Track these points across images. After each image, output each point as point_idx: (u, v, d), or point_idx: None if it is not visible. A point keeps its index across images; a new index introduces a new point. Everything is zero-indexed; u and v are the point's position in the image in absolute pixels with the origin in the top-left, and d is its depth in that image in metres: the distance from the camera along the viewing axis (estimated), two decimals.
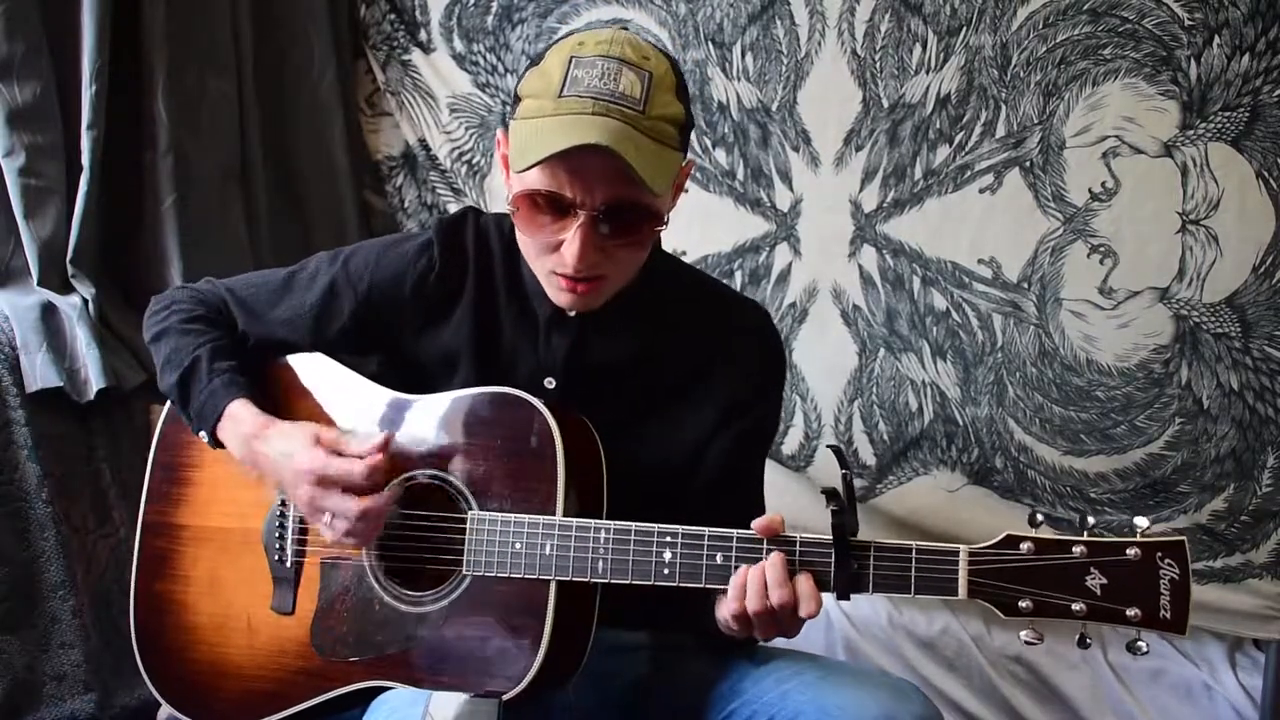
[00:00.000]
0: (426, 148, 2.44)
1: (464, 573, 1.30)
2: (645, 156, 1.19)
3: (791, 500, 2.09)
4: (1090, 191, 1.97)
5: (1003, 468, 2.08)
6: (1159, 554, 1.11)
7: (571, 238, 1.23)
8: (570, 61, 1.22)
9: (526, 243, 1.31)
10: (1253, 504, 1.94)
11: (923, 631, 2.16)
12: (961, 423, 2.10)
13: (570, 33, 2.23)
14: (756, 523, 1.21)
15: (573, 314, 1.36)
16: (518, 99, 1.27)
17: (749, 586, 1.19)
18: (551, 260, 1.27)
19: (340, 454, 1.30)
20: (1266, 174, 1.86)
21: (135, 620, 1.47)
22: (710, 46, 2.19)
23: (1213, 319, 1.93)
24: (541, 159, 1.18)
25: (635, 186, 1.20)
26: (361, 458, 1.29)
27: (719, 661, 1.39)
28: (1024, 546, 1.14)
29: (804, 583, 1.17)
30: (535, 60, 1.28)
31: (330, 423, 1.40)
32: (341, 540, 1.31)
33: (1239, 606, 1.96)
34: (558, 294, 1.31)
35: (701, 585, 1.22)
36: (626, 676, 1.42)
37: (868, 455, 2.17)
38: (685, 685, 1.39)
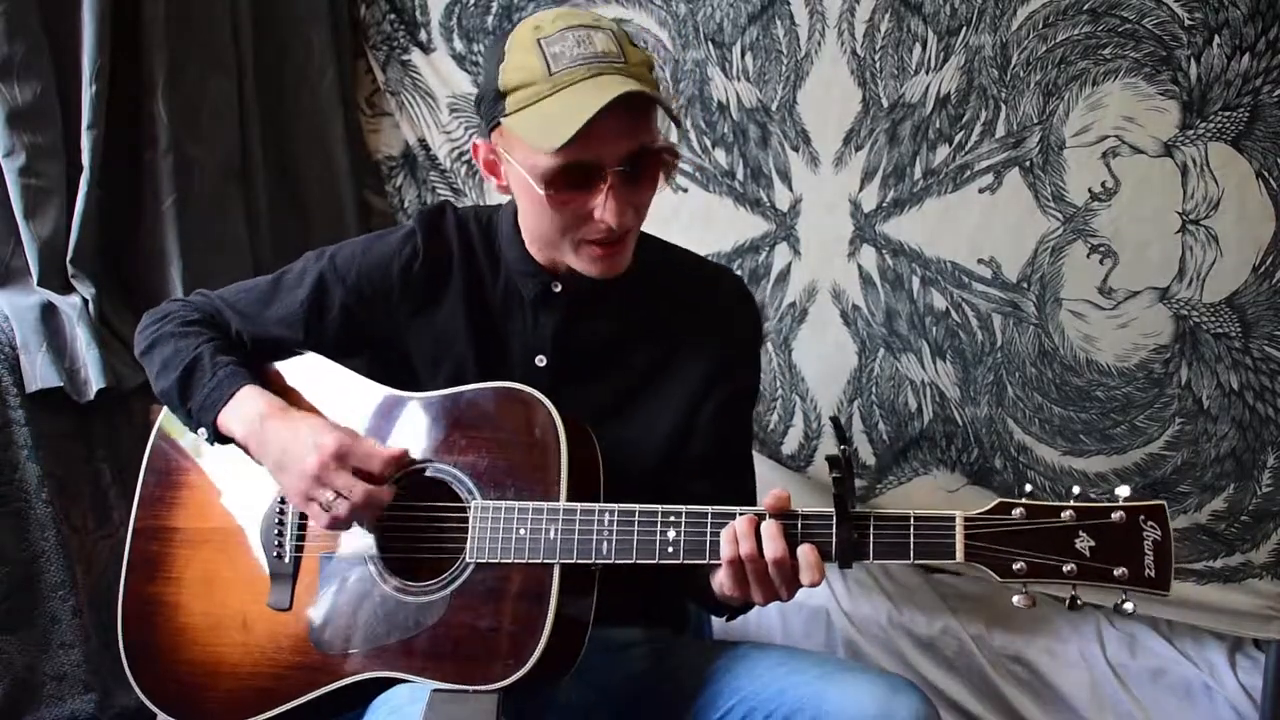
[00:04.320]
0: (426, 148, 2.44)
1: (466, 560, 1.31)
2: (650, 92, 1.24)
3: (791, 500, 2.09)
4: (1090, 191, 1.97)
5: (1002, 468, 2.08)
6: (1141, 516, 1.17)
7: (605, 200, 1.25)
8: (539, 44, 1.24)
9: (553, 224, 1.30)
10: (1253, 504, 1.94)
11: (923, 631, 2.16)
12: (961, 423, 2.10)
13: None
14: (768, 499, 1.23)
15: (558, 290, 1.40)
16: (500, 95, 1.27)
17: (740, 536, 1.21)
18: (582, 230, 1.29)
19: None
20: (1266, 174, 1.86)
21: (123, 626, 1.46)
22: (710, 46, 2.19)
23: (1213, 319, 1.93)
24: (575, 133, 1.19)
25: (645, 132, 1.25)
26: (382, 454, 1.32)
27: (716, 658, 1.41)
28: (1016, 512, 1.19)
29: (807, 553, 1.20)
30: (496, 60, 1.28)
31: (332, 420, 1.40)
32: (335, 521, 1.32)
33: (1239, 606, 1.96)
34: (591, 264, 1.32)
35: (705, 561, 1.24)
36: (623, 674, 1.43)
37: (868, 455, 2.17)
38: (682, 682, 1.39)
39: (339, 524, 1.33)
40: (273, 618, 1.39)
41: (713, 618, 1.64)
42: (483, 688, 1.25)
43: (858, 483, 2.17)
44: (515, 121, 1.26)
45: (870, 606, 2.19)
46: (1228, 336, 1.92)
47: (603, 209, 1.25)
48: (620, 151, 1.24)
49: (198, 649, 1.42)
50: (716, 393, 1.43)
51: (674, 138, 1.40)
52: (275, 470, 1.36)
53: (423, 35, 2.40)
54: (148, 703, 1.44)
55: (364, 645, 1.33)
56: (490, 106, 1.30)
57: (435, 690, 1.26)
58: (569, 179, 1.25)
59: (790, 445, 2.21)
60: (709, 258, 2.19)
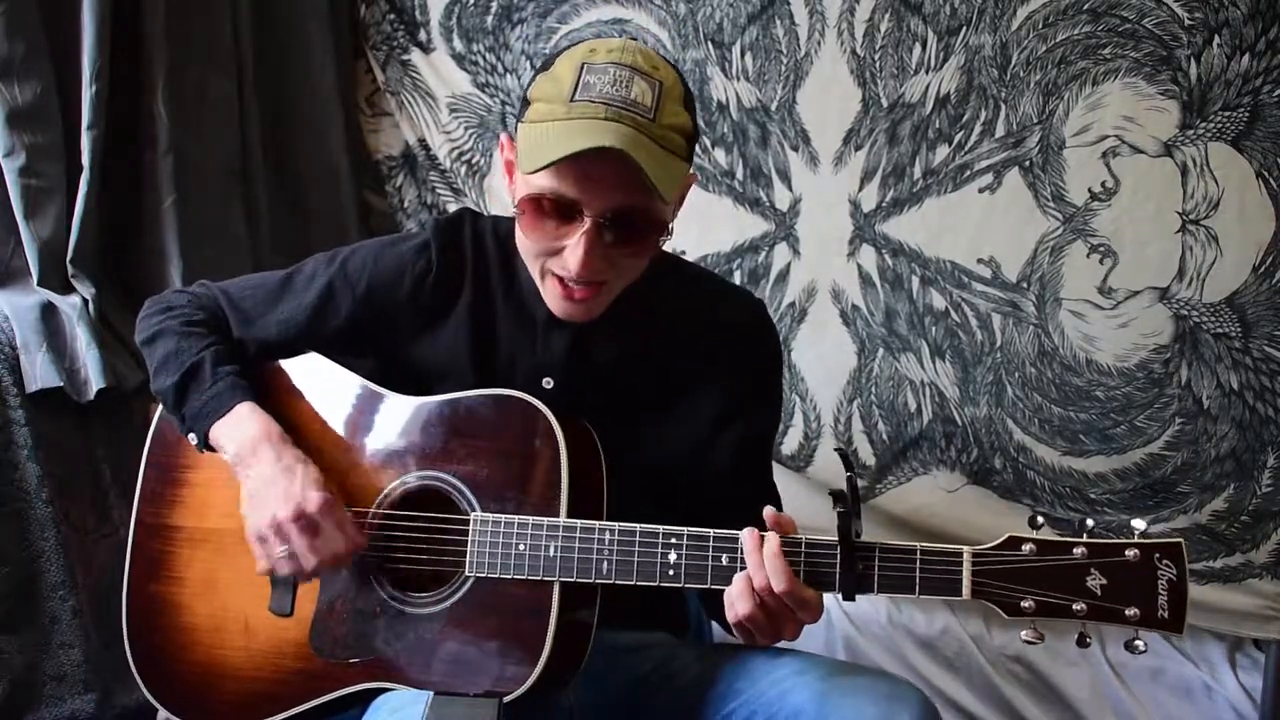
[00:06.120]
0: (426, 148, 2.44)
1: (466, 574, 1.30)
2: (655, 162, 1.20)
3: (791, 500, 2.06)
4: (1090, 191, 1.97)
5: (1002, 468, 2.08)
6: (1157, 555, 1.13)
7: (576, 243, 1.23)
8: (582, 68, 1.22)
9: (526, 245, 1.30)
10: (1253, 504, 1.94)
11: (923, 631, 2.16)
12: (960, 423, 2.10)
13: (570, 33, 2.28)
14: (767, 513, 1.21)
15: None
16: (526, 103, 1.27)
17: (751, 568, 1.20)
18: (552, 262, 1.28)
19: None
20: (1266, 174, 1.86)
21: (128, 621, 1.46)
22: (710, 46, 2.19)
23: (1213, 319, 1.93)
24: (552, 161, 1.18)
25: (642, 194, 1.21)
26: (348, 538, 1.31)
27: (717, 661, 1.40)
28: (1026, 548, 1.16)
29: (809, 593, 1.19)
30: (545, 65, 1.28)
31: (332, 423, 1.41)
32: (269, 572, 1.33)
33: (1239, 606, 1.96)
34: (555, 301, 1.31)
35: (706, 586, 1.23)
36: (625, 677, 1.42)
37: (867, 455, 2.17)
38: (684, 685, 1.39)
39: (271, 575, 1.33)
40: (274, 623, 1.38)
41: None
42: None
43: (859, 483, 2.17)
44: (523, 131, 1.26)
45: (870, 606, 2.19)
46: (1228, 336, 1.92)
47: (571, 250, 1.23)
48: (606, 201, 1.21)
49: (201, 651, 1.42)
50: (732, 428, 1.41)
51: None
52: (249, 495, 1.34)
53: (422, 35, 2.39)
54: (154, 702, 1.44)
55: (365, 655, 1.33)
56: (519, 106, 1.29)
57: (436, 692, 1.26)
58: (543, 208, 1.24)
59: (790, 445, 2.21)
60: (707, 258, 2.22)
